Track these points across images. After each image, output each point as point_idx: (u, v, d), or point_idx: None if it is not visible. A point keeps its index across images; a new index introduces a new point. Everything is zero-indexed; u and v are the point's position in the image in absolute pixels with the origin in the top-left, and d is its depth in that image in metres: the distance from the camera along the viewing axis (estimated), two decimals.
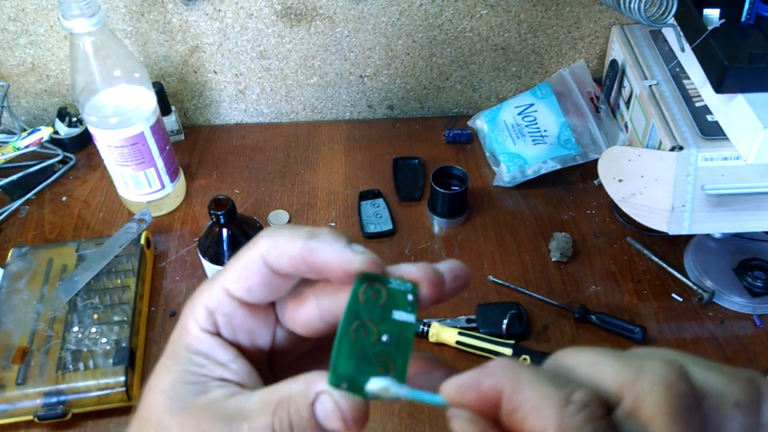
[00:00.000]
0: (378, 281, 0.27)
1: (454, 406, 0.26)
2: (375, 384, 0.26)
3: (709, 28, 0.71)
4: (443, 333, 0.74)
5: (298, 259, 0.28)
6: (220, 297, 0.30)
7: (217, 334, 0.30)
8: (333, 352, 0.26)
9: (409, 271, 0.28)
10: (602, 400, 0.23)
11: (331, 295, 0.29)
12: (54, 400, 0.67)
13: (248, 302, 0.30)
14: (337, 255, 0.27)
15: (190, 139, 1.03)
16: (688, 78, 0.82)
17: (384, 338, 0.27)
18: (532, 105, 0.96)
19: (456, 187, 0.87)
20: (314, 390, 0.27)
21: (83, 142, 1.00)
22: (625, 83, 0.91)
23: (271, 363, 0.33)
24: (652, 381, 0.23)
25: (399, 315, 0.27)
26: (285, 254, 0.28)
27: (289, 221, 0.89)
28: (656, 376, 0.23)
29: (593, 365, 0.25)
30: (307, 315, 0.30)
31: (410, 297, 0.27)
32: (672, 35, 0.81)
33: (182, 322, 0.31)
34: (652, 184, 0.76)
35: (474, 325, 0.76)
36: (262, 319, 0.31)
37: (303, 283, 0.31)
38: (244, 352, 0.31)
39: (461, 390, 0.25)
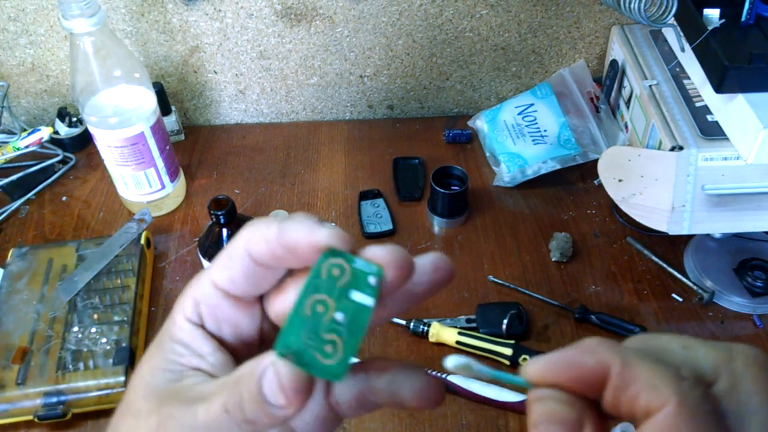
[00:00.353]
0: (343, 258, 0.27)
1: (540, 386, 0.26)
2: (453, 361, 0.26)
3: (709, 28, 0.71)
4: (443, 333, 0.74)
5: (274, 242, 0.28)
6: (206, 288, 0.30)
7: (201, 326, 0.31)
8: (285, 323, 0.26)
9: (376, 253, 0.27)
10: (704, 379, 0.25)
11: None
12: (54, 400, 0.67)
13: (233, 294, 0.30)
14: (305, 231, 0.27)
15: (190, 139, 1.03)
16: (688, 78, 0.82)
17: (338, 316, 0.26)
18: (532, 105, 0.96)
19: (456, 187, 0.87)
20: (263, 365, 0.27)
21: (83, 142, 1.00)
22: (625, 83, 0.91)
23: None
24: (746, 362, 0.25)
25: (358, 296, 0.26)
26: (262, 239, 0.28)
27: None
28: (749, 358, 0.25)
29: (686, 348, 0.26)
30: (288, 303, 0.30)
31: (372, 280, 0.26)
32: (672, 35, 0.81)
33: (172, 312, 0.31)
34: (652, 184, 0.76)
35: (474, 325, 0.76)
36: (247, 313, 0.31)
37: (287, 276, 0.31)
38: (230, 346, 0.31)
39: (553, 369, 0.25)
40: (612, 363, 0.25)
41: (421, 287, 0.29)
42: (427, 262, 0.29)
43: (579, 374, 0.25)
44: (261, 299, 0.32)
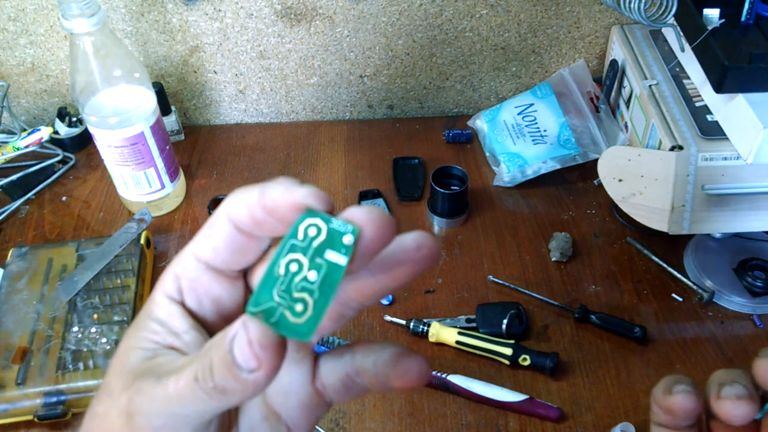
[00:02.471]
0: (321, 218, 0.26)
1: None
2: None
3: (709, 28, 0.71)
4: (443, 333, 0.74)
5: (255, 206, 0.27)
6: (188, 261, 0.30)
7: (181, 303, 0.30)
8: (260, 281, 0.26)
9: (354, 213, 0.27)
10: None
11: None
12: (54, 400, 0.67)
13: (215, 267, 0.30)
14: (285, 192, 0.27)
15: (190, 139, 1.03)
16: (688, 78, 0.82)
17: (310, 275, 0.26)
18: (532, 105, 0.96)
19: (456, 187, 0.87)
20: (234, 329, 0.26)
21: (83, 142, 1.00)
22: (625, 83, 0.91)
23: None
24: None
25: (332, 255, 0.26)
26: (243, 203, 0.28)
27: None
28: None
29: None
30: None
31: (348, 239, 0.26)
32: (672, 35, 0.81)
33: (153, 291, 0.31)
34: (652, 184, 0.76)
35: (474, 325, 0.76)
36: (229, 288, 0.30)
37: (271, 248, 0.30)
38: (210, 324, 0.30)
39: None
40: None
41: (402, 265, 0.28)
42: (409, 239, 0.28)
43: None
44: (244, 276, 0.31)
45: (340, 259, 0.26)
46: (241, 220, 0.28)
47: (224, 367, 0.25)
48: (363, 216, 0.26)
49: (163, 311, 0.30)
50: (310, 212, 0.26)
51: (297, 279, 0.26)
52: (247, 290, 0.31)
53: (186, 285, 0.30)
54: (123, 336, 0.30)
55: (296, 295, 0.26)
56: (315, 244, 0.26)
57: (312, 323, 0.26)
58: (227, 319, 0.30)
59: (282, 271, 0.26)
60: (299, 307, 0.26)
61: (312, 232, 0.26)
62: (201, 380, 0.25)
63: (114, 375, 0.29)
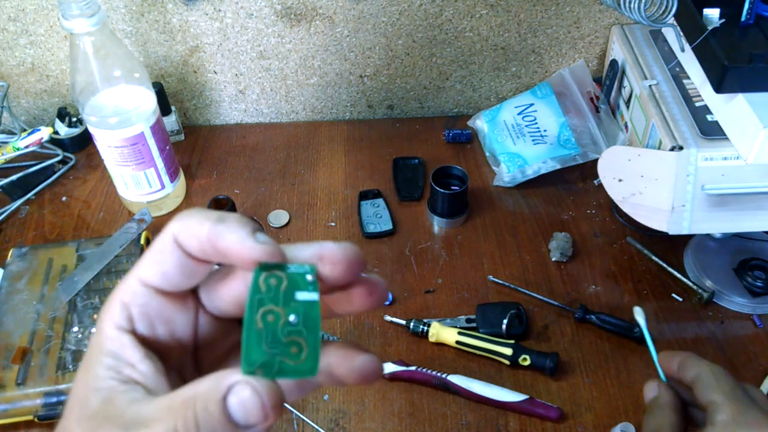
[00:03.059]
0: (277, 268, 0.28)
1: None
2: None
3: (709, 27, 0.71)
4: (443, 333, 0.74)
5: (205, 243, 0.28)
6: (135, 287, 0.29)
7: (132, 332, 0.29)
8: (243, 342, 0.27)
9: (304, 255, 0.28)
10: None
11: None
12: (54, 400, 0.67)
13: (164, 290, 0.30)
14: (238, 243, 0.27)
15: (190, 139, 1.03)
16: (688, 78, 0.82)
17: (292, 319, 0.27)
18: (532, 105, 0.96)
19: (456, 187, 0.87)
20: (226, 383, 0.26)
21: (83, 142, 1.00)
22: (625, 83, 0.91)
23: (198, 360, 0.32)
24: None
25: (302, 295, 0.28)
26: (194, 236, 0.28)
27: (289, 221, 0.89)
28: None
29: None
30: (235, 290, 0.30)
31: (309, 277, 0.28)
32: (672, 35, 0.81)
33: (98, 323, 0.30)
34: (652, 184, 0.76)
35: (474, 325, 0.76)
36: (180, 307, 0.30)
37: (223, 266, 0.31)
38: (164, 346, 0.30)
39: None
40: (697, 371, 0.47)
41: (332, 281, 0.29)
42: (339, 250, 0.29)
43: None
44: (193, 293, 0.31)
45: (312, 296, 0.28)
46: (191, 250, 0.28)
47: (218, 425, 0.25)
48: (312, 250, 0.28)
49: (114, 343, 0.29)
50: (264, 265, 0.28)
51: (280, 326, 0.27)
52: (198, 308, 0.31)
53: (136, 312, 0.29)
54: (77, 375, 0.29)
55: (286, 340, 0.27)
56: (282, 290, 0.27)
57: (313, 359, 0.27)
58: (180, 339, 0.31)
59: (261, 325, 0.27)
60: (294, 350, 0.27)
61: (273, 282, 0.27)
62: None
63: (74, 420, 0.28)
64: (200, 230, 0.28)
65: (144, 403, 0.27)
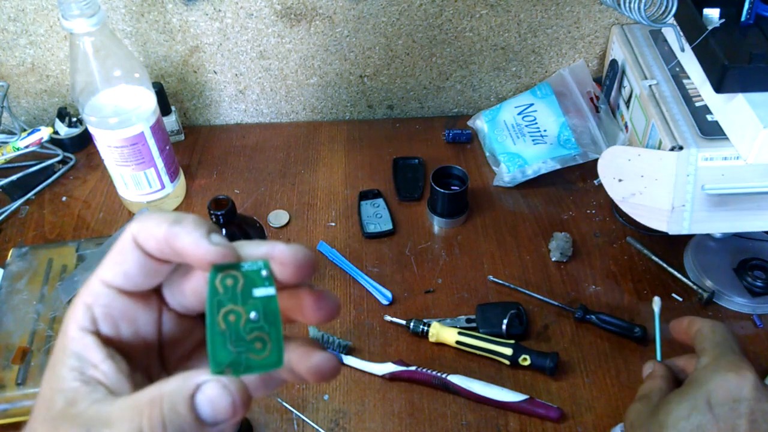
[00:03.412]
0: (231, 268, 0.29)
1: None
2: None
3: (709, 27, 0.71)
4: (443, 333, 0.74)
5: (162, 243, 0.29)
6: (98, 288, 0.30)
7: (95, 333, 0.30)
8: (208, 345, 0.27)
9: (256, 254, 0.29)
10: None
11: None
12: None
13: (127, 290, 0.30)
14: (192, 244, 0.28)
15: (190, 139, 1.03)
16: (688, 78, 0.82)
17: (252, 316, 0.28)
18: (532, 105, 0.96)
19: (456, 187, 0.87)
20: (194, 382, 0.26)
21: (83, 142, 1.00)
22: (625, 83, 0.91)
23: (163, 359, 0.33)
24: None
25: (259, 291, 0.28)
26: (152, 236, 0.29)
27: (289, 221, 0.89)
28: None
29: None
30: (197, 285, 0.31)
31: (264, 273, 0.29)
32: (672, 35, 0.81)
33: (63, 325, 0.30)
34: (652, 184, 0.76)
35: (474, 325, 0.76)
36: (143, 307, 0.31)
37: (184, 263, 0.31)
38: (128, 345, 0.31)
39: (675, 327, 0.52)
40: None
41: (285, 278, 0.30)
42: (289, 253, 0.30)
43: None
44: (157, 293, 0.32)
45: (268, 291, 0.29)
46: (149, 250, 0.29)
47: (185, 424, 0.26)
48: (264, 249, 0.29)
49: (77, 344, 0.29)
50: (219, 266, 0.28)
51: (242, 324, 0.28)
52: (162, 307, 0.32)
53: (100, 312, 0.30)
54: (43, 377, 0.30)
55: (250, 337, 0.28)
56: (239, 290, 0.28)
57: (278, 351, 0.28)
58: (144, 337, 0.31)
59: (223, 325, 0.28)
60: (258, 345, 0.28)
61: (230, 282, 0.28)
62: None
63: (39, 422, 0.28)
64: (157, 231, 0.28)
65: (106, 403, 0.27)
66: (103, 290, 0.30)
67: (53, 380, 0.29)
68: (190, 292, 0.31)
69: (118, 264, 0.30)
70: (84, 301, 0.30)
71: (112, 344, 0.30)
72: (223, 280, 0.28)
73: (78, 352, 0.29)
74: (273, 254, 0.29)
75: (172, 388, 0.26)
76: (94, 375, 0.29)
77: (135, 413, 0.26)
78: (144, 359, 0.31)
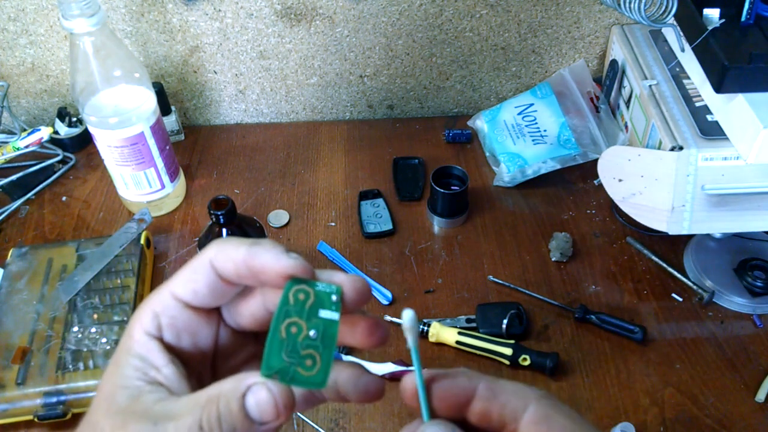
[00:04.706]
0: (307, 284, 0.30)
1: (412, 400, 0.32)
2: (408, 316, 0.31)
3: (709, 28, 0.71)
4: (443, 333, 0.74)
5: (240, 264, 0.31)
6: (167, 300, 0.32)
7: (159, 339, 0.32)
8: (265, 347, 0.29)
9: (332, 277, 0.31)
10: None
11: (275, 289, 0.32)
12: (54, 400, 0.67)
13: (193, 305, 0.32)
14: (272, 259, 0.30)
15: (190, 139, 1.03)
16: (688, 78, 0.82)
17: (311, 333, 0.30)
18: (532, 105, 0.96)
19: (456, 187, 0.87)
20: (245, 384, 0.29)
21: (83, 142, 1.00)
22: (625, 83, 0.91)
23: (215, 369, 0.35)
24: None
25: (325, 313, 0.30)
26: (230, 259, 0.31)
27: (288, 221, 0.89)
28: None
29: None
30: (253, 306, 0.33)
31: (334, 297, 0.30)
32: (672, 35, 0.81)
33: (128, 327, 0.33)
34: (652, 184, 0.76)
35: (474, 325, 0.76)
36: (205, 322, 0.33)
37: (246, 289, 0.34)
38: (186, 354, 0.33)
39: (436, 389, 0.32)
40: (480, 381, 0.31)
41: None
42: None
43: (455, 391, 0.31)
44: (218, 309, 0.34)
45: (333, 315, 0.30)
46: (225, 272, 0.31)
47: (236, 421, 0.28)
48: (341, 277, 0.31)
49: (142, 347, 0.32)
50: (296, 279, 0.30)
51: (300, 338, 0.30)
52: (220, 322, 0.34)
53: (166, 322, 0.32)
54: (105, 374, 0.32)
55: (303, 352, 0.30)
56: (307, 306, 0.30)
57: (324, 373, 0.30)
58: (201, 349, 0.34)
59: (284, 334, 0.30)
60: (309, 362, 0.30)
61: (301, 296, 0.30)
62: (206, 428, 0.28)
63: (102, 415, 0.30)
64: (236, 253, 0.31)
65: (170, 401, 0.30)
66: (171, 302, 0.32)
67: (117, 377, 0.31)
68: (246, 314, 0.34)
69: (191, 282, 0.32)
70: (152, 309, 0.32)
71: (172, 351, 0.32)
72: (296, 293, 0.30)
73: (142, 354, 0.31)
74: (342, 282, 0.31)
75: (228, 387, 0.29)
76: (156, 377, 0.31)
77: (196, 409, 0.28)
78: (198, 367, 0.34)
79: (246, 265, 0.31)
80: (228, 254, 0.31)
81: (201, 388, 0.30)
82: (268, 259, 0.30)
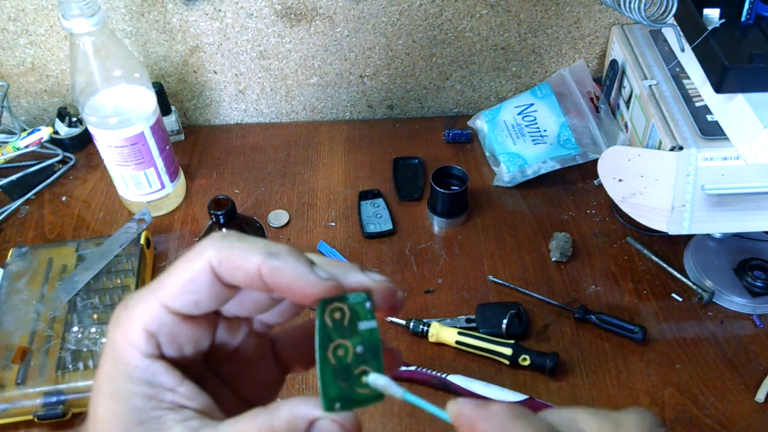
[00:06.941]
0: (337, 300, 0.28)
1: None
2: (375, 379, 0.28)
3: (709, 28, 0.71)
4: (443, 333, 0.74)
5: (255, 277, 0.27)
6: (162, 316, 0.28)
7: (160, 357, 0.29)
8: (319, 381, 0.27)
9: (360, 282, 0.29)
10: None
11: None
12: (54, 399, 0.67)
13: (194, 315, 0.29)
14: (300, 280, 0.27)
15: (190, 139, 1.03)
16: (688, 78, 0.82)
17: (358, 350, 0.28)
18: (532, 105, 0.96)
19: (456, 187, 0.87)
20: (306, 419, 0.26)
21: (83, 142, 1.00)
22: (625, 83, 0.91)
23: (207, 356, 0.32)
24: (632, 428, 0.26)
25: (364, 324, 0.29)
26: (240, 269, 0.27)
27: (288, 221, 0.89)
28: (635, 425, 0.26)
29: (573, 421, 0.27)
30: (255, 296, 0.31)
31: (368, 305, 0.29)
32: (672, 35, 0.81)
33: (113, 351, 0.29)
34: (652, 184, 0.76)
35: (474, 324, 0.76)
36: (205, 324, 0.30)
37: None
38: (189, 360, 0.30)
39: (460, 420, 0.26)
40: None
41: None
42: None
43: None
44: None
45: (372, 324, 0.29)
46: (233, 281, 0.28)
47: None
48: (368, 282, 0.29)
49: (145, 373, 0.28)
50: (325, 300, 0.28)
51: (349, 360, 0.28)
52: (218, 316, 0.31)
53: (165, 339, 0.29)
54: (101, 414, 0.28)
55: (356, 371, 0.28)
56: (346, 323, 0.28)
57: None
58: (203, 349, 0.31)
59: (333, 360, 0.28)
60: (364, 380, 0.28)
61: (337, 315, 0.28)
62: None
63: None
64: (248, 265, 0.27)
65: (209, 428, 0.27)
66: (167, 318, 0.28)
67: (127, 414, 0.27)
68: (247, 303, 0.31)
69: (190, 293, 0.28)
70: (144, 328, 0.28)
71: (173, 363, 0.29)
72: (331, 313, 0.28)
73: (149, 380, 0.28)
74: (371, 286, 0.29)
75: (284, 422, 0.26)
76: (175, 400, 0.28)
77: None
78: (196, 363, 0.31)
79: (264, 282, 0.27)
80: (236, 263, 0.27)
81: (199, 385, 0.28)
82: (294, 279, 0.27)
